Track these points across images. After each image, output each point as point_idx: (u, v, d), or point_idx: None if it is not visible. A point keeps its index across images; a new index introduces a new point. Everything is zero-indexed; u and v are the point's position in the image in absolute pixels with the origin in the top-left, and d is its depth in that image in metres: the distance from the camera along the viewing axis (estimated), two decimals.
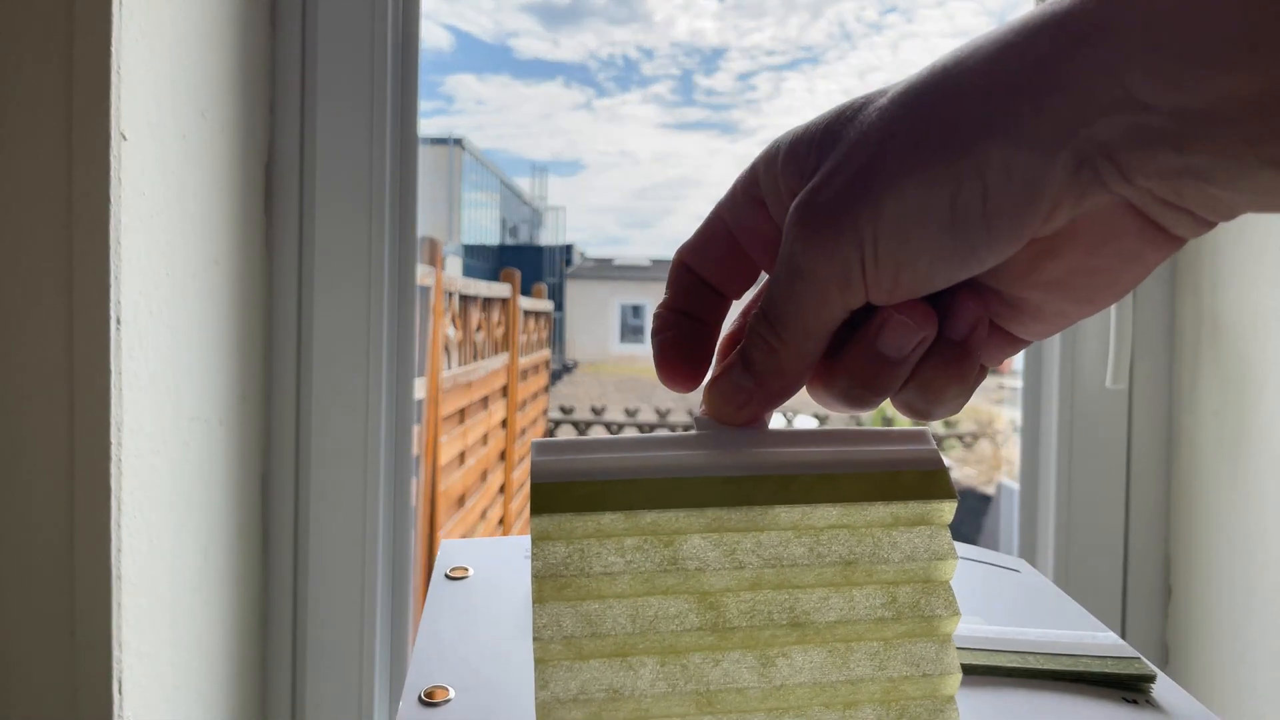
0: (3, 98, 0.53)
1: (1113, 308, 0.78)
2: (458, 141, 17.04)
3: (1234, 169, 0.20)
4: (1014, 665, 0.34)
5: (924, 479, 0.26)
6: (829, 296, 0.24)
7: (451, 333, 3.02)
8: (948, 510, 0.26)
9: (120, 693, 0.55)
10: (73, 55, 0.53)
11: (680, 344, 0.29)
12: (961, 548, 0.47)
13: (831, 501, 0.25)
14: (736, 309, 0.30)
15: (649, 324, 0.30)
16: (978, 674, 0.33)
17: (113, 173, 0.53)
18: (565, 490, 0.25)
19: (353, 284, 0.74)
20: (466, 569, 0.40)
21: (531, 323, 4.46)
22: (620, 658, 0.24)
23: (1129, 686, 0.33)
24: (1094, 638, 0.36)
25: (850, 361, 0.25)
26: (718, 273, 0.29)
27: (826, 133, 0.25)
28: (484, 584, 0.39)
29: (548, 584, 0.24)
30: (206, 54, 0.63)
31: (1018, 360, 0.89)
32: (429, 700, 0.30)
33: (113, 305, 0.53)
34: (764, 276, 0.29)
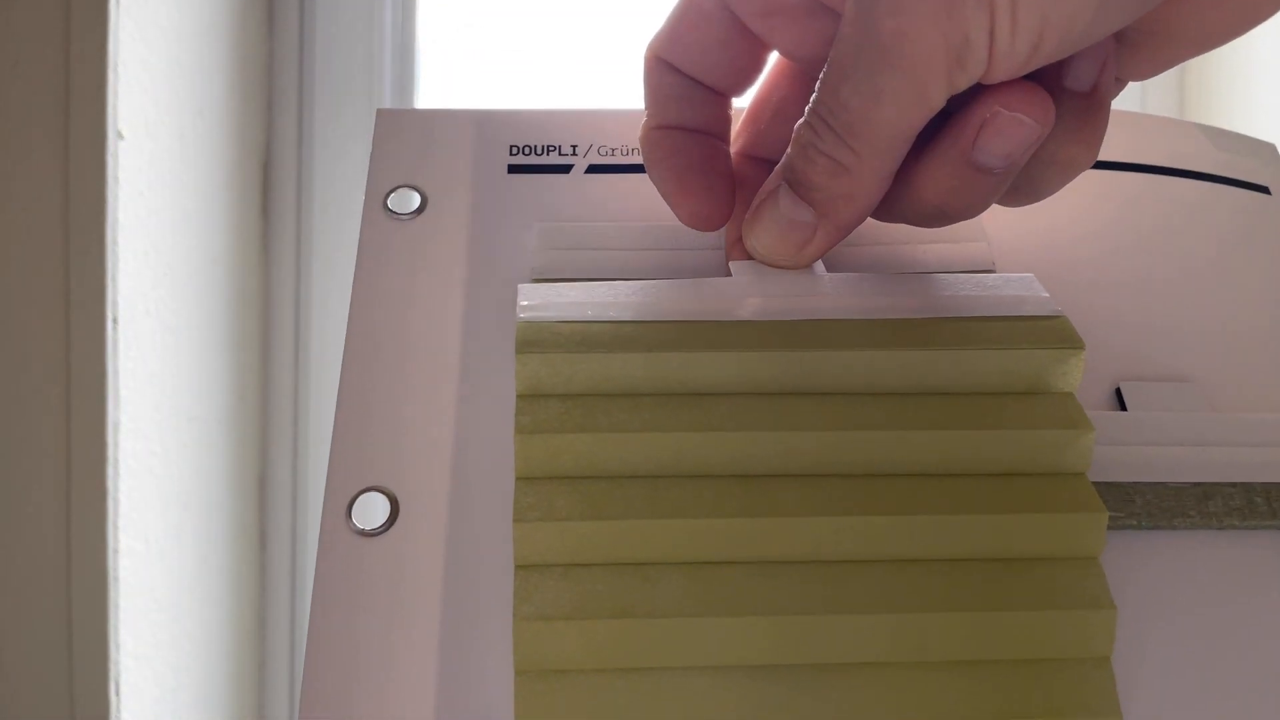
0: None
1: None
2: None
3: None
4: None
5: (1038, 326, 0.19)
6: (931, 85, 0.17)
7: None
8: (1075, 367, 0.19)
9: (117, 694, 0.55)
10: (69, 54, 0.52)
11: (692, 170, 0.21)
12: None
13: (922, 348, 0.19)
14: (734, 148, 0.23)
15: None
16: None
17: (109, 172, 0.53)
18: (562, 328, 0.19)
19: (351, 284, 0.74)
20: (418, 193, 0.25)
21: None
22: (634, 565, 0.17)
23: None
24: None
25: (937, 177, 0.19)
26: (709, 63, 0.21)
27: None
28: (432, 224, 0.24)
29: (536, 446, 0.18)
30: (204, 52, 0.63)
31: None
32: (364, 529, 0.19)
33: (109, 305, 0.53)
34: (775, 58, 0.22)
